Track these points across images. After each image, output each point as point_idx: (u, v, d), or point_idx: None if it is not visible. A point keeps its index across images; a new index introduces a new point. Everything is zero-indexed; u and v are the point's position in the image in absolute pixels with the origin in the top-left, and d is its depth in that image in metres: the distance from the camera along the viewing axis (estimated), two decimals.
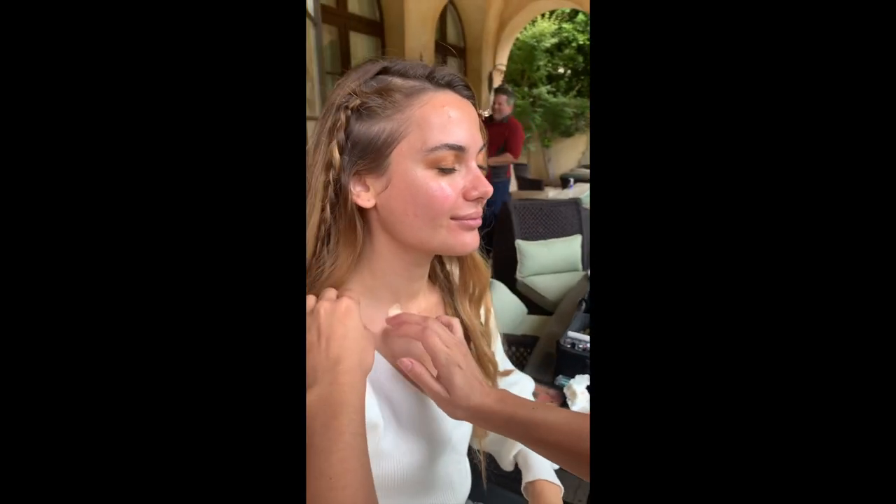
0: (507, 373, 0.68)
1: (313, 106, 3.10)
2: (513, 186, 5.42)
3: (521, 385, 0.74)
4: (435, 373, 0.46)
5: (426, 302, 0.56)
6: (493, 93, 3.18)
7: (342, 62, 3.65)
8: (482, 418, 0.45)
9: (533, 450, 0.46)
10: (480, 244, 0.50)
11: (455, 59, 5.36)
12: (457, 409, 0.45)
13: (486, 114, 3.14)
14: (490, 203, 0.49)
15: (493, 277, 2.35)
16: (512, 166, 3.40)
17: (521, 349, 1.63)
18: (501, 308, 2.08)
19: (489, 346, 0.61)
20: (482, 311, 0.61)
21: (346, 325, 0.42)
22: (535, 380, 1.37)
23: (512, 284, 2.50)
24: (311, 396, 0.38)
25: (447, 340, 0.46)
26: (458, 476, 0.60)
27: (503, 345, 1.72)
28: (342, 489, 0.34)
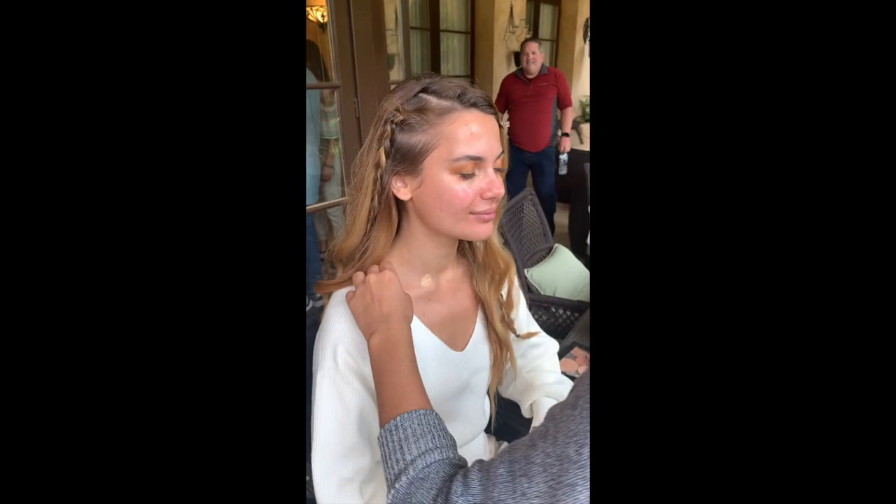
0: (530, 335, 0.79)
1: (399, 61, 3.20)
2: None
3: (545, 346, 0.85)
4: None
5: (453, 273, 0.69)
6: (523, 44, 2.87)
7: (431, 16, 3.68)
8: None
9: None
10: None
11: (550, 6, 5.10)
12: None
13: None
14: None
15: (565, 245, 2.39)
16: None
17: (574, 314, 1.71)
18: (564, 273, 2.15)
19: (508, 314, 0.73)
20: (505, 287, 0.72)
21: (392, 289, 0.57)
22: (578, 344, 1.46)
23: (584, 249, 2.53)
24: (374, 341, 0.54)
25: None
26: (476, 413, 0.75)
27: (560, 309, 1.79)
28: (409, 395, 0.49)
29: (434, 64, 4.15)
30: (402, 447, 0.43)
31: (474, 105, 0.55)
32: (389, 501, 0.42)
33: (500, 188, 0.56)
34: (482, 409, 0.76)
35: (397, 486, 0.42)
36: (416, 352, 0.63)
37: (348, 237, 0.62)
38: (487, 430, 0.80)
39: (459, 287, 0.69)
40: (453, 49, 4.27)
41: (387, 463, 0.44)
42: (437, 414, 0.47)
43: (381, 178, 0.57)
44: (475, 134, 0.54)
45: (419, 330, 0.64)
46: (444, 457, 0.42)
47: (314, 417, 0.59)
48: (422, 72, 0.59)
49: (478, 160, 0.55)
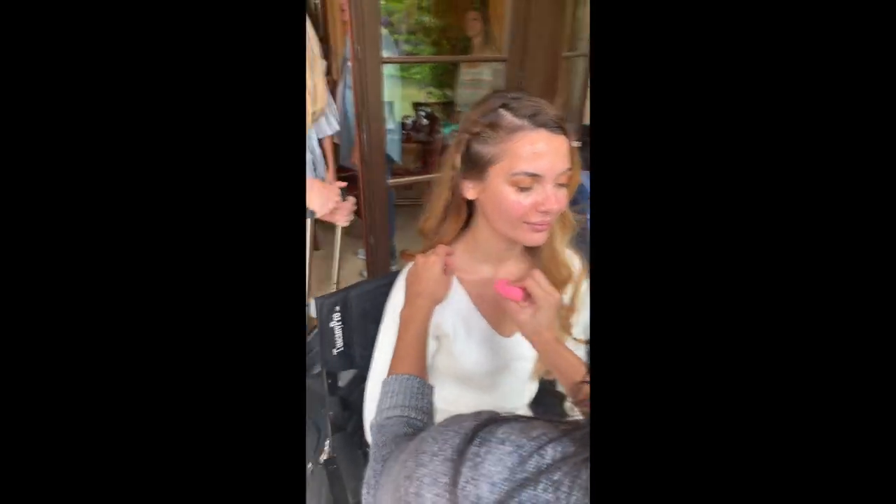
0: (586, 341, 0.83)
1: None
2: None
3: None
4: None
5: (515, 268, 0.75)
6: None
7: None
8: (538, 338, 0.63)
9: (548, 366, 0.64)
10: None
11: None
12: (527, 323, 0.63)
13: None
14: None
15: None
16: None
17: None
18: None
19: (568, 318, 0.77)
20: (569, 292, 0.76)
21: (429, 272, 0.68)
22: None
23: None
24: (403, 311, 0.68)
25: (544, 285, 0.66)
26: (514, 393, 0.83)
27: None
28: (405, 361, 0.62)
29: None
30: (382, 398, 0.57)
31: (544, 126, 0.60)
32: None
33: (555, 203, 0.61)
34: (521, 391, 0.84)
35: (371, 424, 0.56)
36: (464, 329, 0.74)
37: (428, 219, 0.74)
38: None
39: (518, 281, 0.76)
40: None
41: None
42: (421, 381, 0.58)
43: (455, 178, 0.67)
44: (538, 153, 0.59)
45: (470, 310, 0.74)
46: (403, 415, 0.54)
47: (373, 358, 0.76)
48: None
49: (536, 176, 0.60)
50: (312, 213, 1.00)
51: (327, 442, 0.90)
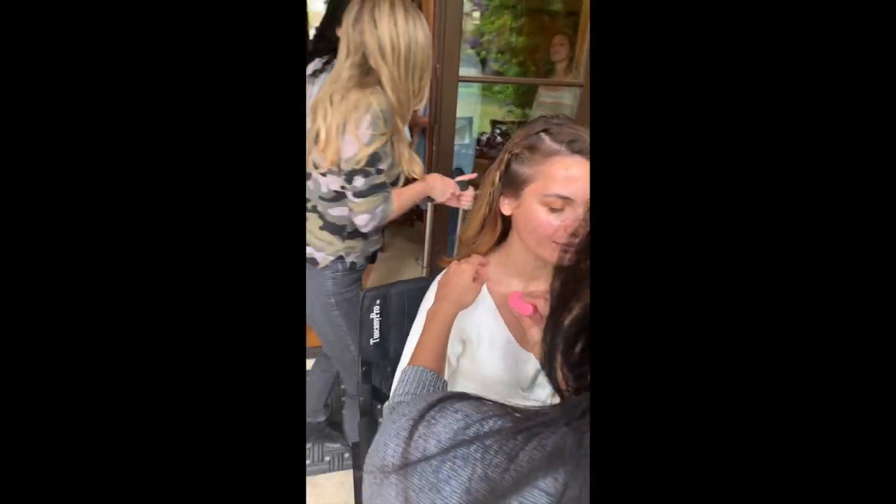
0: None
1: None
2: None
3: None
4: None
5: (545, 285, 0.78)
6: None
7: None
8: None
9: None
10: None
11: None
12: (537, 339, 0.67)
13: None
14: None
15: None
16: None
17: None
18: None
19: None
20: None
21: (458, 278, 0.73)
22: None
23: None
24: (430, 311, 0.73)
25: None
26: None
27: None
28: (427, 351, 0.68)
29: None
30: (398, 385, 0.63)
31: (579, 152, 0.63)
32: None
33: (582, 228, 0.64)
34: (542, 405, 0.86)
35: (385, 406, 0.61)
36: (487, 337, 0.78)
37: (467, 230, 0.79)
38: None
39: (534, 297, 0.79)
40: None
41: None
42: (435, 375, 0.63)
43: (493, 194, 0.72)
44: (571, 177, 0.63)
45: (496, 320, 0.78)
46: (412, 401, 0.59)
47: (408, 341, 0.82)
48: None
49: (567, 199, 0.63)
50: (432, 199, 1.21)
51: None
